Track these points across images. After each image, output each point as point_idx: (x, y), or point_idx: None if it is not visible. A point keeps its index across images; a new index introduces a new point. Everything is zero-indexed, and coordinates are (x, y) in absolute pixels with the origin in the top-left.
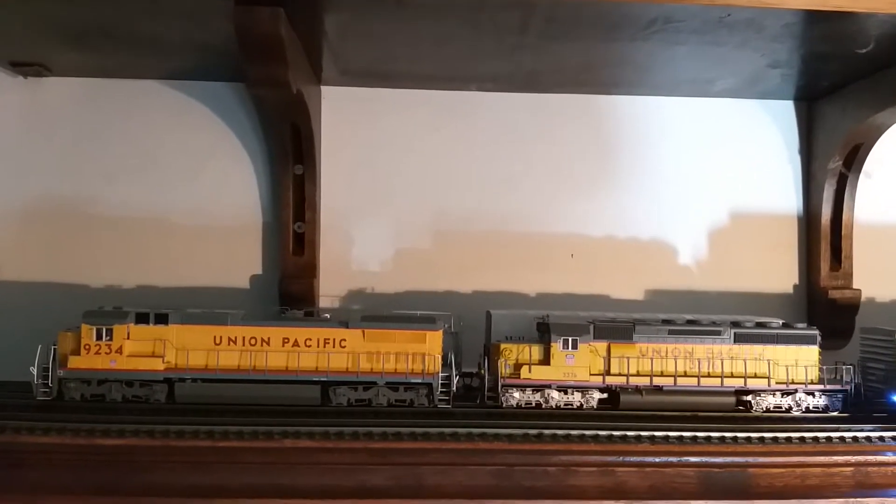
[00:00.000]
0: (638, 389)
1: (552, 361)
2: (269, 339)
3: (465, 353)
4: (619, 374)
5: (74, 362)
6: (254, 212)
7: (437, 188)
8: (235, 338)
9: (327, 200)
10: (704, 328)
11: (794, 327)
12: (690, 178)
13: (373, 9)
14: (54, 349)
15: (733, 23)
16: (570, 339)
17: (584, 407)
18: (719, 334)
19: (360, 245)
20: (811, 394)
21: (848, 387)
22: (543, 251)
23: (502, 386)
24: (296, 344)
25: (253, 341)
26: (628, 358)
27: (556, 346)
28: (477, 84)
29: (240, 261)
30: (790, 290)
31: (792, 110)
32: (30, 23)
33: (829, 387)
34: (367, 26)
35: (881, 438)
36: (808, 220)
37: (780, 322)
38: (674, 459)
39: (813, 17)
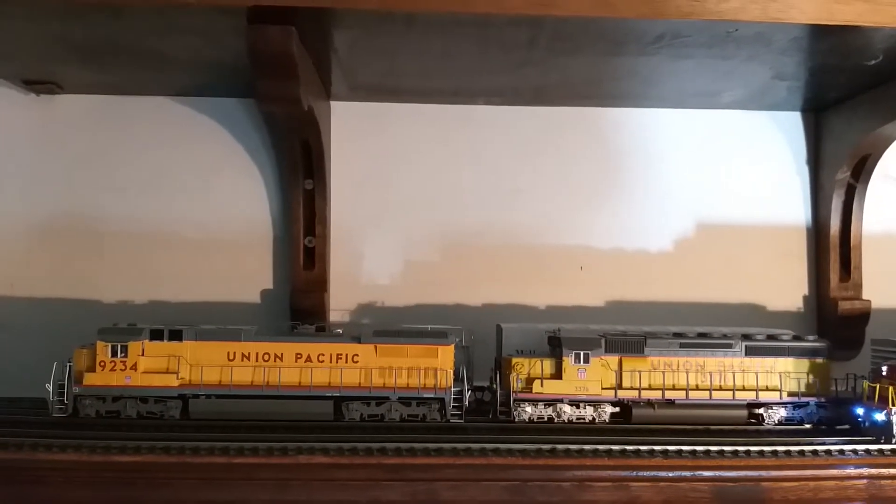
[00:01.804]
0: (650, 403)
1: (564, 375)
2: (282, 354)
3: (476, 367)
4: (631, 388)
5: (90, 379)
6: (264, 227)
7: (446, 202)
8: (249, 353)
9: (337, 215)
10: (716, 341)
11: (805, 339)
12: (698, 189)
13: (382, 26)
14: (69, 366)
15: (741, 37)
16: (581, 352)
17: (597, 421)
18: (730, 347)
19: (369, 259)
20: (823, 406)
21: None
22: (552, 263)
23: (514, 400)
24: (309, 359)
25: (266, 357)
26: (640, 372)
27: (568, 360)
28: (484, 98)
29: (251, 275)
30: (800, 301)
31: (799, 121)
32: (42, 41)
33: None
34: (376, 43)
35: (893, 451)
36: (817, 231)
37: (791, 334)
38: (687, 474)
39: (820, 31)
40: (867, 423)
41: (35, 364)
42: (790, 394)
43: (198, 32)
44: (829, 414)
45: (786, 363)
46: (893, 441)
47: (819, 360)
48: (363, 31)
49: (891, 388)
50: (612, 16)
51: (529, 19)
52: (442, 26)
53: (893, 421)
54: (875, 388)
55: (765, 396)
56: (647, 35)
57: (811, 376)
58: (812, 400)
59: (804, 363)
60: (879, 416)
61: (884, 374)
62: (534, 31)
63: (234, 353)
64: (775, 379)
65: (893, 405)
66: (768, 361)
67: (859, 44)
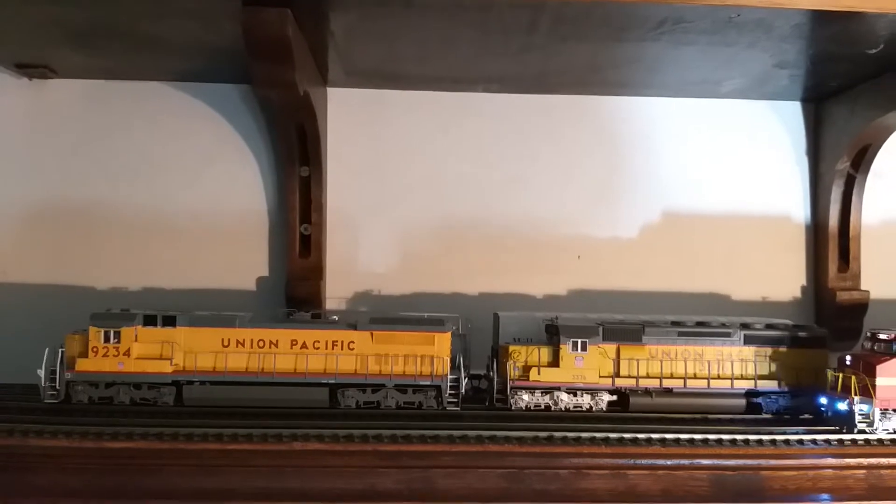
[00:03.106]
0: (647, 392)
1: (561, 363)
2: (277, 341)
3: (473, 355)
4: (629, 377)
5: (82, 365)
6: (260, 214)
7: (444, 190)
8: (243, 340)
9: (333, 202)
10: (714, 330)
11: (803, 329)
12: (697, 178)
13: (380, 9)
14: (62, 352)
15: (742, 23)
16: (579, 340)
17: (594, 409)
18: (729, 336)
19: (366, 247)
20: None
21: None
22: (551, 252)
23: (511, 388)
24: (304, 346)
25: (261, 343)
26: (637, 360)
27: (566, 348)
28: (484, 85)
29: (246, 263)
30: (798, 291)
31: (800, 111)
32: (35, 25)
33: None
34: (374, 27)
35: (893, 441)
36: (816, 222)
37: (790, 324)
38: (685, 462)
39: (823, 18)
40: (830, 413)
41: (29, 350)
42: (788, 383)
43: (193, 15)
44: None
45: (784, 353)
46: (855, 431)
47: (817, 350)
48: (360, 13)
49: (853, 378)
50: None
51: (530, 3)
52: (441, 9)
53: (855, 411)
54: (839, 377)
55: (763, 385)
56: (650, 20)
57: (809, 366)
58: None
59: (803, 353)
60: (842, 406)
61: (848, 363)
62: (535, 15)
63: (229, 339)
64: (774, 368)
65: (856, 395)
66: (767, 350)
67: (862, 31)
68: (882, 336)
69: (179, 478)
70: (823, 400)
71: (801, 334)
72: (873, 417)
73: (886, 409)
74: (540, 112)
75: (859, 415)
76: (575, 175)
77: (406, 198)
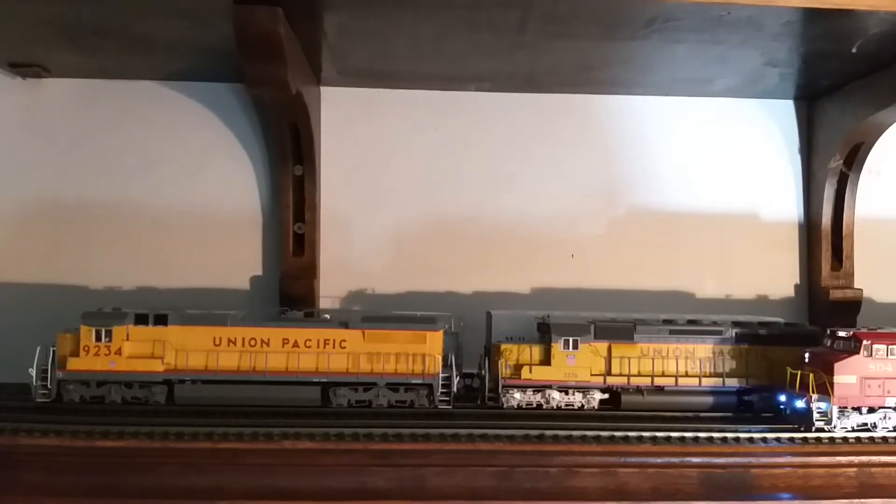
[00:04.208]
0: (639, 390)
1: (553, 362)
2: (268, 339)
3: (465, 353)
4: (620, 375)
5: (73, 364)
6: (253, 213)
7: (437, 188)
8: (235, 339)
9: (327, 201)
10: (706, 328)
11: (795, 327)
12: (690, 177)
13: (371, 8)
14: (53, 351)
15: (733, 21)
16: (570, 339)
17: (586, 407)
18: (720, 334)
19: (360, 245)
20: None
21: None
22: (543, 251)
23: (503, 387)
24: (296, 345)
25: (253, 342)
26: (629, 358)
27: (557, 347)
28: (476, 84)
29: (240, 262)
30: (791, 290)
31: (792, 110)
32: (28, 24)
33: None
34: (365, 26)
35: (884, 439)
36: (809, 220)
37: (782, 322)
38: (676, 460)
39: (813, 15)
40: (789, 411)
41: (21, 349)
42: (780, 381)
43: (185, 14)
44: None
45: (776, 351)
46: (813, 429)
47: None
48: (352, 12)
49: (811, 376)
50: None
51: (520, 1)
52: (432, 7)
53: (813, 408)
54: (797, 374)
55: (755, 383)
56: (639, 18)
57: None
58: None
59: (795, 351)
60: (800, 404)
61: (806, 360)
62: (524, 14)
63: (220, 338)
64: (766, 366)
65: (813, 392)
66: (759, 349)
67: (852, 28)
68: (841, 334)
69: (170, 476)
70: (783, 397)
71: (793, 333)
72: (831, 415)
73: (845, 408)
74: (532, 111)
75: (817, 413)
76: (567, 174)
77: (399, 196)
